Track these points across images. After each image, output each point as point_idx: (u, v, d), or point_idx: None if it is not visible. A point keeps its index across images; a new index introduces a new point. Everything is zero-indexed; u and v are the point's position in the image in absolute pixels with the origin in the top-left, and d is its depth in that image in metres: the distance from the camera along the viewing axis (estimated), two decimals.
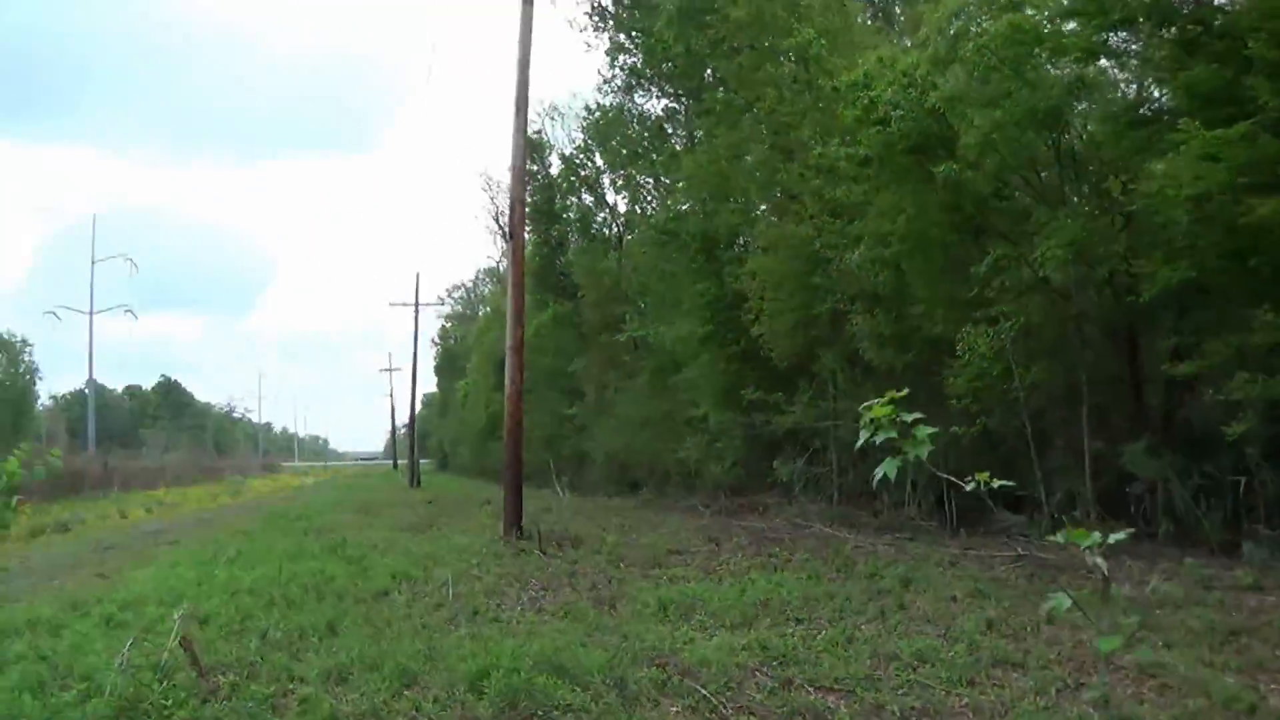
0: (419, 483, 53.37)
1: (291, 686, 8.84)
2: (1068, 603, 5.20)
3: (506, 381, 20.46)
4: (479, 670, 8.87)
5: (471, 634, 10.82)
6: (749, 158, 26.53)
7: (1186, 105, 13.88)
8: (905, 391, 5.36)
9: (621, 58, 38.88)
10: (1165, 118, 14.67)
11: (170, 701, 7.92)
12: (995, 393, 17.94)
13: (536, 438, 46.20)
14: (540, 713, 8.02)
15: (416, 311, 57.09)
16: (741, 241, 28.62)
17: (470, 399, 67.03)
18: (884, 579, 14.53)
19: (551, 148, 49.84)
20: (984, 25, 16.79)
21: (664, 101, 39.04)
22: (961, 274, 18.47)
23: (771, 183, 24.74)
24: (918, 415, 5.30)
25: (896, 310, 20.38)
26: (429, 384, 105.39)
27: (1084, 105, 17.07)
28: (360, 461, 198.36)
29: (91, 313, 69.45)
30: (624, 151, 42.44)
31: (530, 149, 48.49)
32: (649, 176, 40.82)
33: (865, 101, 18.22)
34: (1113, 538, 4.96)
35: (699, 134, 32.59)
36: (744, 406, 27.89)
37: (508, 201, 56.85)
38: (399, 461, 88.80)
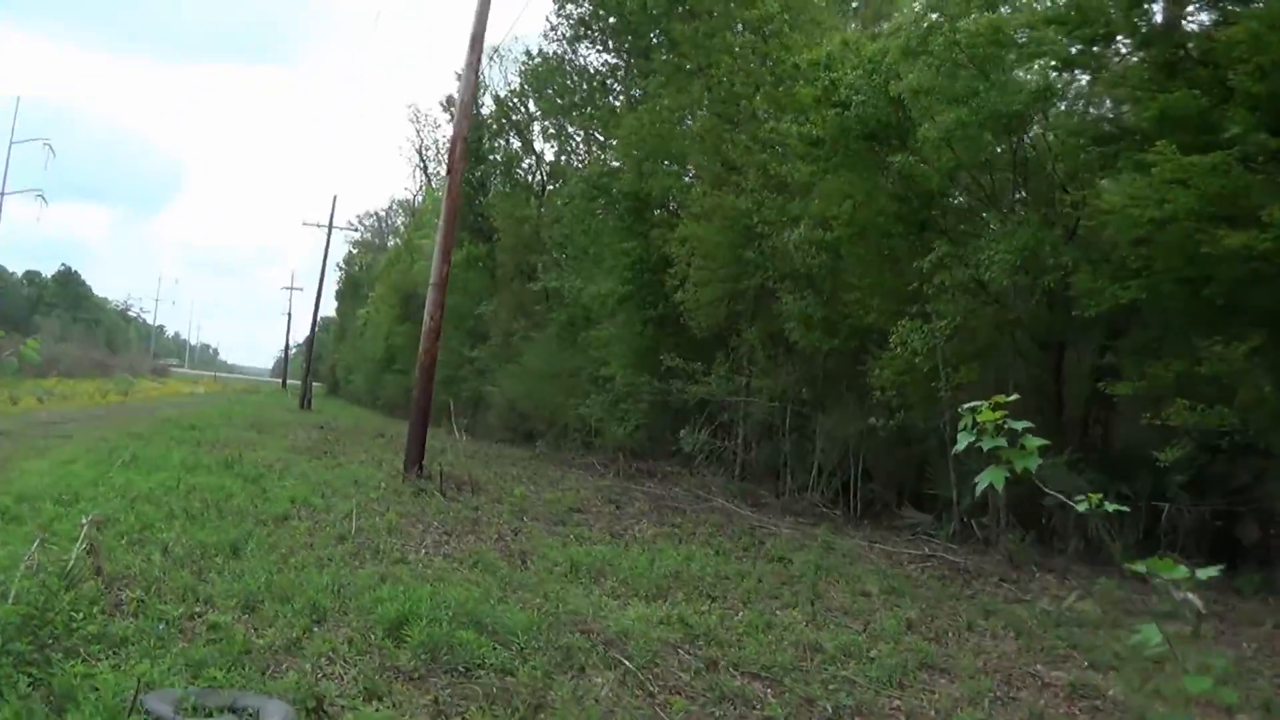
0: (310, 405, 52.01)
1: (199, 609, 8.28)
2: (1157, 636, 4.74)
3: (425, 317, 19.85)
4: (396, 616, 8.38)
5: (380, 574, 10.29)
6: (691, 123, 25.91)
7: (1156, 128, 13.59)
8: (1015, 397, 4.90)
9: (569, 7, 37.89)
10: (1135, 137, 14.37)
11: (80, 615, 7.29)
12: (920, 389, 17.70)
13: (436, 376, 45.47)
14: (463, 668, 7.55)
15: (329, 234, 55.75)
16: (673, 206, 28.09)
17: (370, 328, 65.82)
18: (793, 564, 14.24)
19: (485, 88, 48.68)
20: (957, 21, 16.34)
21: (606, 56, 38.18)
22: (901, 267, 18.21)
23: (713, 151, 24.19)
24: (1027, 424, 4.89)
25: (828, 294, 20.04)
26: (330, 308, 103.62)
27: (1046, 114, 16.75)
28: (247, 376, 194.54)
29: (2, 193, 66.68)
30: (559, 101, 41.63)
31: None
32: (580, 129, 40.07)
33: (826, 82, 17.80)
34: (1202, 574, 4.46)
35: (639, 93, 31.93)
36: (657, 371, 27.62)
37: (436, 137, 56.42)
38: (289, 381, 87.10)
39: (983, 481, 5.10)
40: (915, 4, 18.68)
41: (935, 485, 18.84)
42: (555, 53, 40.09)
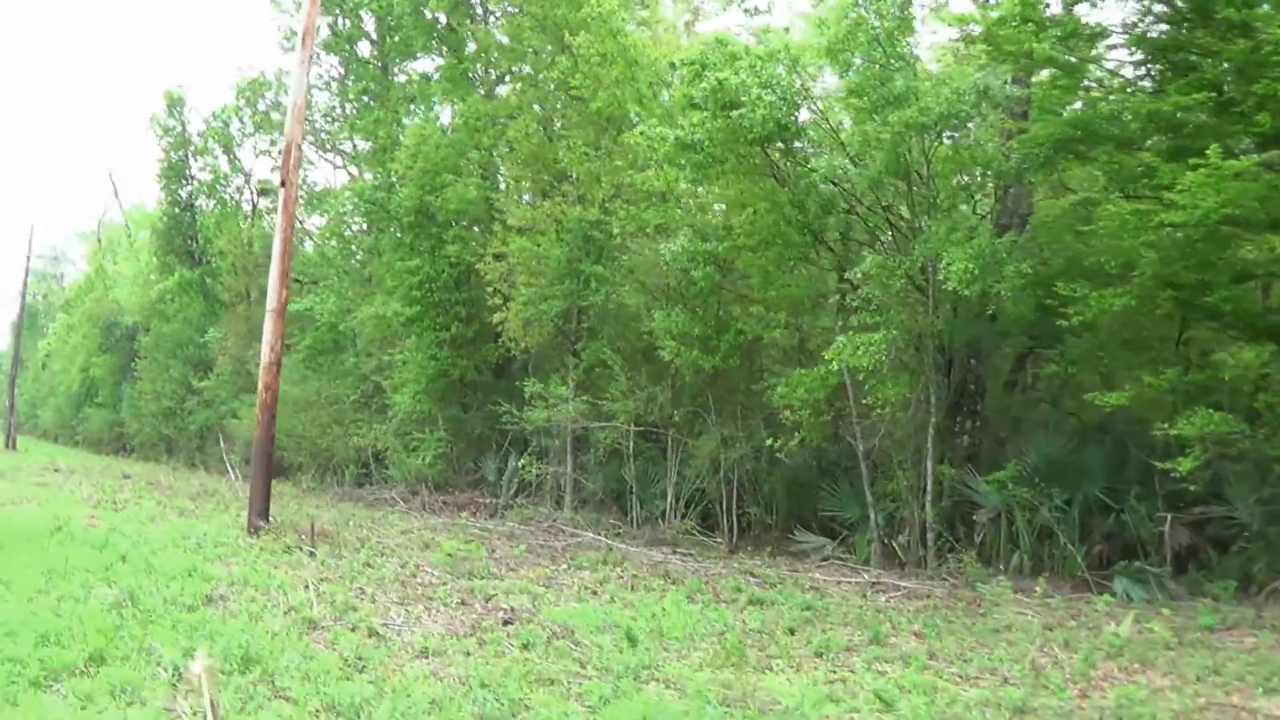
0: (15, 445, 45.01)
1: None
2: None
3: (264, 349, 16.46)
4: None
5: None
6: (507, 130, 23.16)
7: (1141, 132, 12.44)
8: None
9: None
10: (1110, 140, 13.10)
11: None
12: (832, 407, 15.96)
13: (154, 409, 40.82)
14: None
15: (28, 264, 48.93)
16: (466, 221, 25.37)
17: (56, 359, 58.49)
18: (778, 605, 12.20)
19: (184, 103, 43.69)
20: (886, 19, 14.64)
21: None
22: (800, 278, 16.44)
23: (534, 160, 21.68)
24: None
25: (708, 309, 17.95)
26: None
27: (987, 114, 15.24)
28: None
29: None
30: (273, 116, 38.28)
31: (169, 103, 42.88)
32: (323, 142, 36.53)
33: (712, 82, 15.60)
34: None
35: (417, 105, 28.97)
36: (456, 397, 24.96)
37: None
38: None
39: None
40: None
41: (838, 506, 17.09)
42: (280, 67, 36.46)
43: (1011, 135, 15.29)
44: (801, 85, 15.68)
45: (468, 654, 8.79)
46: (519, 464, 21.82)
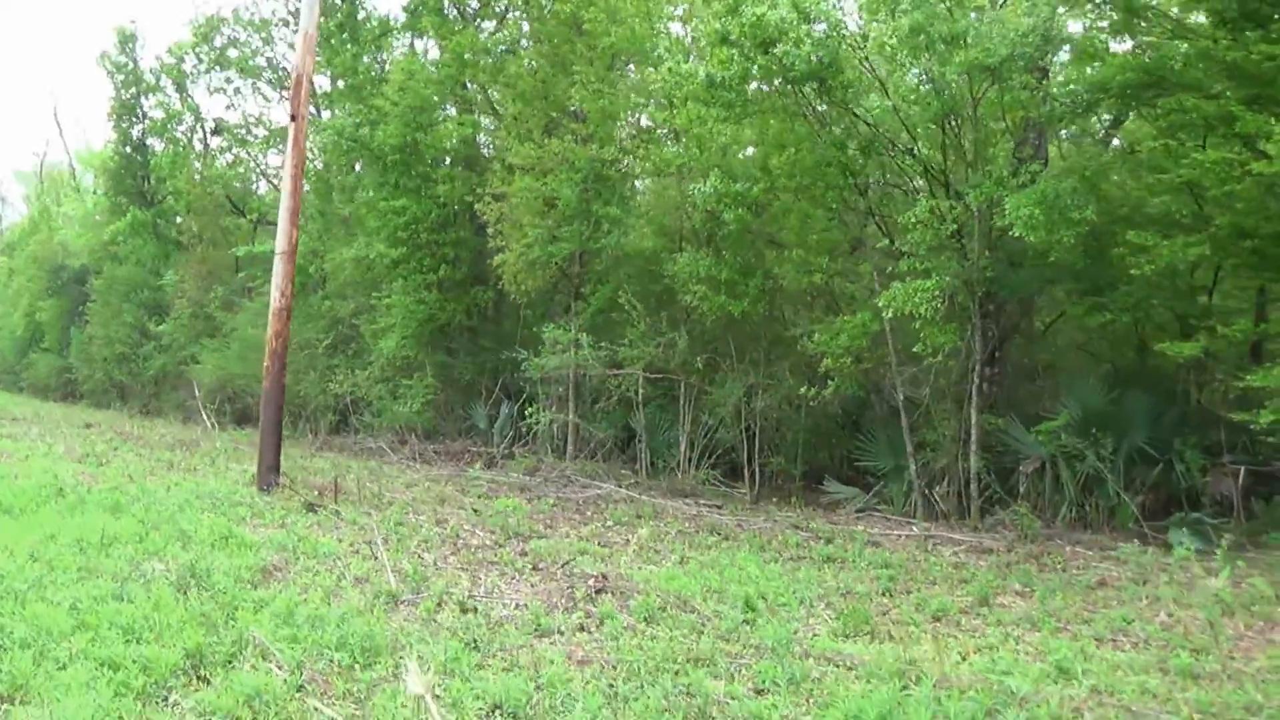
0: None
1: None
2: None
3: (274, 294, 15.36)
4: None
5: None
6: (507, 65, 21.97)
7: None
8: None
9: None
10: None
11: None
12: (873, 356, 15.28)
13: (107, 355, 39.10)
14: None
15: None
16: (457, 159, 24.22)
17: None
18: (852, 562, 11.59)
19: (136, 39, 41.58)
20: None
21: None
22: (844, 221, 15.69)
23: (540, 96, 20.55)
24: None
25: (738, 254, 17.10)
26: None
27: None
28: None
29: None
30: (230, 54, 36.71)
31: (120, 39, 40.83)
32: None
33: (750, 17, 14.57)
34: None
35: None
36: (444, 343, 23.99)
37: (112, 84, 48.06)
38: None
39: None
40: None
41: (871, 457, 16.44)
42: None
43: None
44: (849, 22, 14.78)
45: (582, 629, 7.97)
46: (526, 412, 20.73)
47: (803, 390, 15.88)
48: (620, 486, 17.49)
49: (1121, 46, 14.81)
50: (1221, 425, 13.75)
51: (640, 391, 18.85)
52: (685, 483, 17.91)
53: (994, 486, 14.80)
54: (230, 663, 6.54)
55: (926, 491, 15.34)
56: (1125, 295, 14.17)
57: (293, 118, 15.69)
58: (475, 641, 7.35)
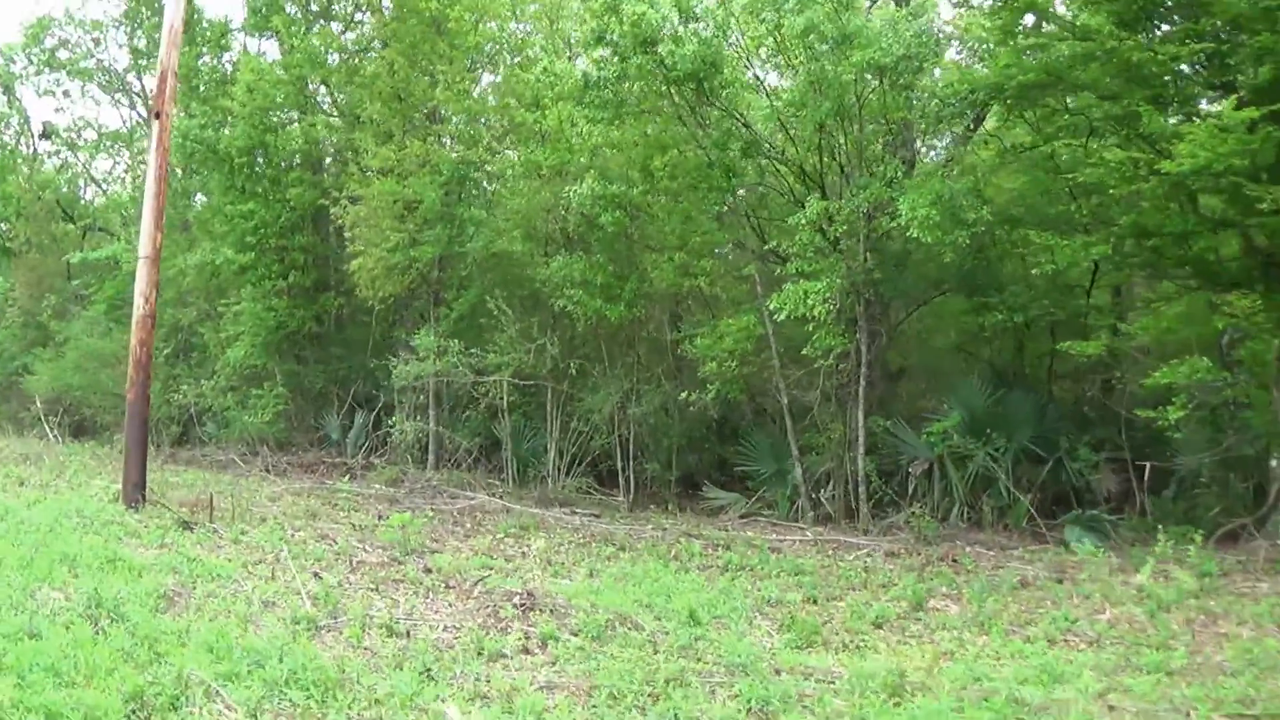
0: None
1: None
2: None
3: (138, 300, 14.24)
4: None
5: None
6: (362, 66, 21.04)
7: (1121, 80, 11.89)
8: None
9: None
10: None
11: None
12: (757, 359, 15.00)
13: None
14: None
15: None
16: (307, 161, 23.16)
17: None
18: (764, 570, 11.29)
19: None
20: None
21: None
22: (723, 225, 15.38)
23: (394, 98, 19.64)
24: None
25: (613, 257, 16.59)
26: None
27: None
28: None
29: None
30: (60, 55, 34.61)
31: None
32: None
33: (631, 16, 14.09)
34: None
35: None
36: (294, 350, 22.93)
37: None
38: None
39: None
40: None
41: (751, 461, 16.11)
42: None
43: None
44: (734, 22, 14.43)
45: (525, 651, 7.36)
46: (391, 422, 19.90)
47: (683, 395, 15.48)
48: (492, 496, 16.80)
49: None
50: (1121, 422, 13.88)
51: (505, 399, 18.17)
52: (557, 491, 17.32)
53: (883, 489, 14.60)
54: (174, 707, 5.74)
55: (813, 495, 15.08)
56: (1014, 295, 14.17)
57: (156, 115, 14.60)
58: (429, 670, 6.67)
